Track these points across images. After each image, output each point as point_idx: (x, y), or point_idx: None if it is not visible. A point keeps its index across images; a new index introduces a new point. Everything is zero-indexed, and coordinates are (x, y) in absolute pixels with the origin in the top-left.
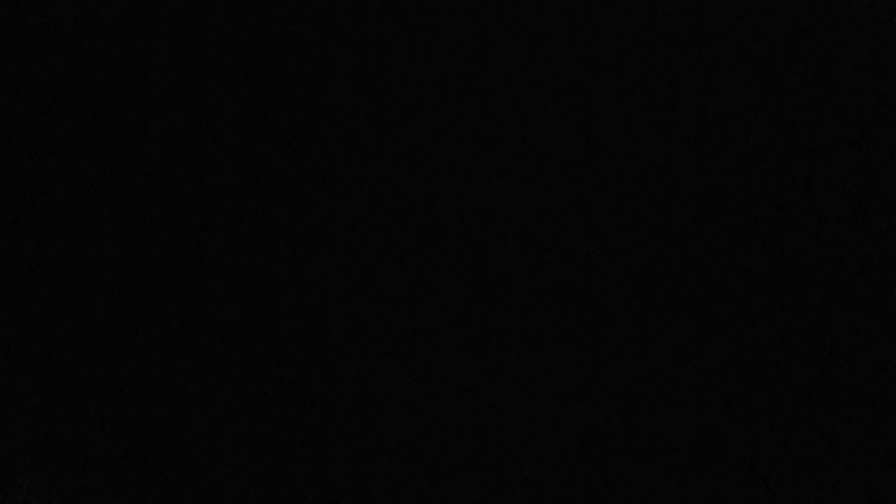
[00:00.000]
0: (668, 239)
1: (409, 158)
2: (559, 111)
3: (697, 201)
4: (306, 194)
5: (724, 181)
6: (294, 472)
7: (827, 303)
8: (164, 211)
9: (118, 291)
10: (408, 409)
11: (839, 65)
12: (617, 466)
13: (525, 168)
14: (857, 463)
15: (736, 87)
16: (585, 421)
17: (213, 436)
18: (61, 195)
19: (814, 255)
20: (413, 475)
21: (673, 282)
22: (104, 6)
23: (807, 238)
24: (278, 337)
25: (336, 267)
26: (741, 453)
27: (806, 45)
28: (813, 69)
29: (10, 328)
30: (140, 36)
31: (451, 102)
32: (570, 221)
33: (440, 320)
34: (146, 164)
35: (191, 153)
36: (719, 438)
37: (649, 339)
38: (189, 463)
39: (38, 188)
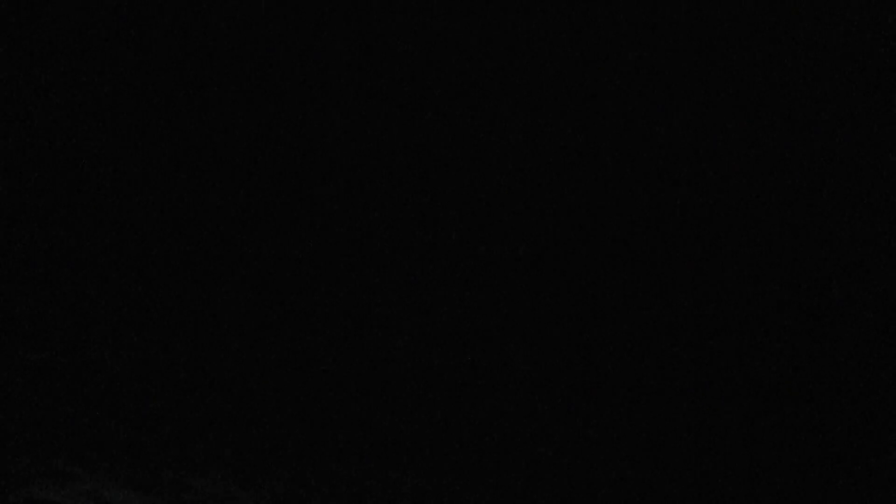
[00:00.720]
0: (667, 239)
1: (409, 158)
2: (559, 111)
3: (697, 201)
4: (306, 194)
5: (724, 181)
6: (294, 472)
7: (826, 303)
8: (163, 210)
9: (118, 291)
10: (407, 409)
11: (838, 65)
12: (616, 466)
13: (525, 168)
14: (856, 463)
15: (735, 86)
16: (585, 421)
17: (213, 436)
18: (61, 195)
19: (814, 255)
20: (413, 475)
21: (673, 282)
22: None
23: (807, 238)
24: (278, 337)
25: (335, 267)
26: (741, 453)
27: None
28: (813, 69)
29: (10, 328)
30: (140, 36)
31: (451, 102)
32: (570, 221)
33: (440, 319)
34: (146, 163)
35: (191, 153)
36: (718, 438)
37: (649, 339)
38: (189, 462)
39: (37, 188)
